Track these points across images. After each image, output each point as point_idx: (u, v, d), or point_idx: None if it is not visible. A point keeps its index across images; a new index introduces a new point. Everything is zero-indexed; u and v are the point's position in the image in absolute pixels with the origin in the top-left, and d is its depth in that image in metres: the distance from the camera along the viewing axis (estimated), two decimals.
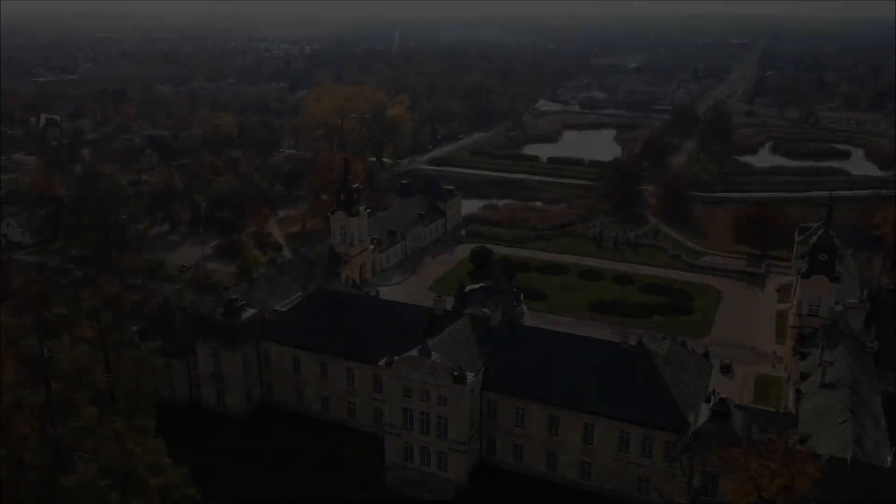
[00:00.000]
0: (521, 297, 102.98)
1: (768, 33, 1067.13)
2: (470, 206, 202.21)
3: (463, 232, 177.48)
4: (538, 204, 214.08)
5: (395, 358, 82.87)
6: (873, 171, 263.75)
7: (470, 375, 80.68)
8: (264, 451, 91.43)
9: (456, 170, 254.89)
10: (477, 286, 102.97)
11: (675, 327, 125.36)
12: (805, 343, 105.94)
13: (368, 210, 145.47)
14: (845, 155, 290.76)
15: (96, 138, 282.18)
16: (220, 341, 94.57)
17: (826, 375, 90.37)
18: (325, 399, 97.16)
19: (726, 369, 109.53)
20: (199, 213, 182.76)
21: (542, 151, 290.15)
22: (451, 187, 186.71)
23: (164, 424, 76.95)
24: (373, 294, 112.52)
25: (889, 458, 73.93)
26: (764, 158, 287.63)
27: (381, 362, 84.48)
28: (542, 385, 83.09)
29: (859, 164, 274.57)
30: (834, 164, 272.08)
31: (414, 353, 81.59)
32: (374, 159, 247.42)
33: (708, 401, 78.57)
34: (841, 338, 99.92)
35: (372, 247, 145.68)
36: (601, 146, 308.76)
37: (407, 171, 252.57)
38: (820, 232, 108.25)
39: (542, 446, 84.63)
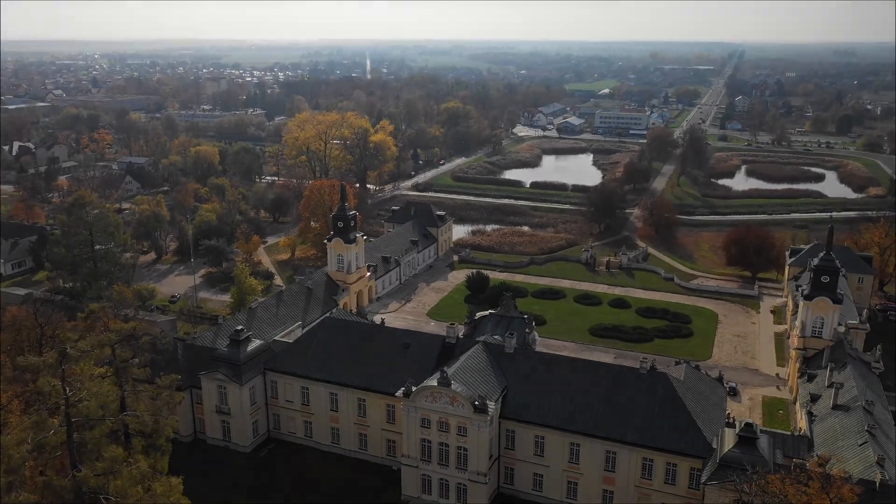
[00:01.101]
0: (533, 323, 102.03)
1: (731, 60, 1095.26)
2: (457, 231, 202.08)
3: (455, 258, 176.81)
4: (525, 229, 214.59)
5: (413, 388, 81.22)
6: (848, 193, 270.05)
7: (491, 405, 79.36)
8: (275, 486, 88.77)
9: (440, 195, 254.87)
10: (486, 313, 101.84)
11: (676, 351, 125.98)
12: (811, 365, 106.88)
13: (365, 237, 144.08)
14: (819, 178, 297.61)
15: (73, 166, 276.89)
16: (227, 374, 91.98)
17: (838, 397, 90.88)
18: (334, 431, 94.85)
19: (732, 392, 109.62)
20: (186, 242, 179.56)
21: (524, 176, 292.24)
22: (443, 213, 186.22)
23: (169, 461, 74.17)
24: (370, 321, 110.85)
25: None
26: (741, 182, 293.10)
27: (399, 393, 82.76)
28: (561, 412, 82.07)
29: (834, 187, 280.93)
30: (810, 186, 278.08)
31: (433, 382, 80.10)
32: (356, 185, 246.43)
33: (729, 425, 78.38)
34: (847, 359, 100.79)
35: (368, 274, 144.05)
36: (581, 171, 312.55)
37: (391, 197, 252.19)
38: (821, 254, 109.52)
39: (563, 475, 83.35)
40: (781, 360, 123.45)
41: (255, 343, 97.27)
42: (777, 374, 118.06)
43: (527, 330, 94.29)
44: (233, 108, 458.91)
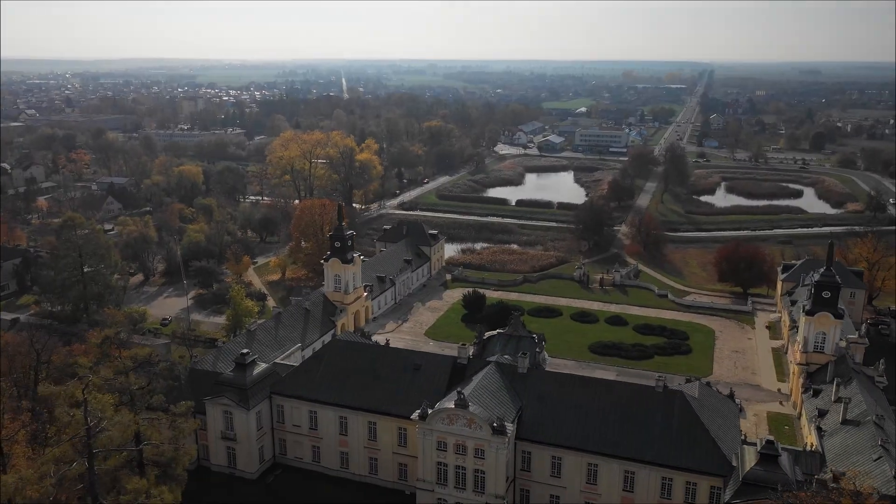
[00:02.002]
0: (543, 342, 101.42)
1: (702, 79, 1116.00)
2: (447, 250, 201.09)
3: (448, 276, 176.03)
4: (514, 247, 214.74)
5: (429, 410, 79.97)
6: (827, 209, 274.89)
7: (509, 426, 78.39)
8: None
9: (426, 214, 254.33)
10: (494, 332, 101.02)
11: (677, 368, 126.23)
12: (815, 380, 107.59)
13: (362, 257, 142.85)
14: (798, 194, 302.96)
15: (51, 186, 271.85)
16: (233, 399, 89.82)
17: (847, 412, 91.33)
18: (343, 455, 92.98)
19: (738, 409, 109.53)
20: (174, 263, 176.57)
21: (508, 194, 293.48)
22: (435, 232, 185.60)
23: None
24: (374, 342, 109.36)
25: None
26: (722, 198, 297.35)
27: (414, 415, 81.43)
28: (578, 432, 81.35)
29: (813, 203, 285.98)
30: (789, 202, 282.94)
31: (450, 404, 78.97)
32: (341, 204, 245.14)
33: (746, 443, 78.21)
34: (852, 374, 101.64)
35: (365, 294, 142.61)
36: (564, 188, 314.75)
37: (378, 216, 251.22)
38: (821, 270, 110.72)
39: (580, 496, 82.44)
40: (781, 375, 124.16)
41: (261, 367, 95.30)
42: (779, 390, 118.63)
43: (537, 349, 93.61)
44: (211, 127, 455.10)
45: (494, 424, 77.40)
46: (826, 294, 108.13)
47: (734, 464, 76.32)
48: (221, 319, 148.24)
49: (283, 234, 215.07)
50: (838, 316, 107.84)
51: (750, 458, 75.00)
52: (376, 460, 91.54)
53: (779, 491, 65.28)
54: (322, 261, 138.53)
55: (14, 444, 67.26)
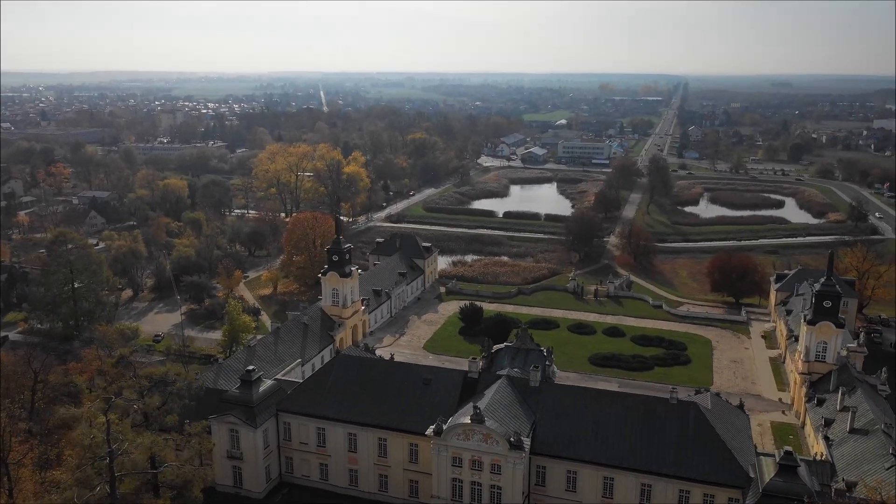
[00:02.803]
0: (552, 355, 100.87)
1: (677, 91, 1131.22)
2: (438, 262, 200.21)
3: (442, 289, 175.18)
4: (505, 259, 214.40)
5: (444, 426, 78.94)
6: (809, 219, 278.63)
7: (526, 441, 77.60)
8: None
9: (414, 226, 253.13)
10: (502, 345, 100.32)
11: (677, 378, 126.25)
12: (818, 389, 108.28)
13: (360, 270, 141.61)
14: (779, 204, 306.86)
15: (32, 201, 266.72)
16: (240, 417, 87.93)
17: (855, 421, 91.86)
18: (352, 472, 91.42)
19: None
20: (164, 278, 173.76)
21: (493, 206, 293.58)
22: (429, 244, 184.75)
23: None
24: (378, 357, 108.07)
25: None
26: (705, 209, 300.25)
27: (429, 431, 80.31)
28: (594, 446, 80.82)
29: (794, 213, 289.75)
30: (772, 213, 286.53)
31: (465, 419, 78.03)
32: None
33: (759, 453, 78.13)
34: (856, 382, 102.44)
35: (363, 308, 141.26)
36: (549, 200, 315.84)
37: (366, 229, 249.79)
38: (822, 280, 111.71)
39: None
40: (781, 384, 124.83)
41: (267, 383, 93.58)
42: (780, 399, 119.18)
43: (546, 362, 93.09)
44: (192, 140, 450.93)
45: (511, 439, 76.59)
46: (827, 304, 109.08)
47: (751, 475, 76.21)
48: (215, 335, 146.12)
49: (272, 247, 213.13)
50: (839, 325, 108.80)
51: (768, 469, 74.94)
52: (386, 477, 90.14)
53: (805, 502, 65.09)
54: (319, 275, 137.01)
55: (21, 467, 65.06)
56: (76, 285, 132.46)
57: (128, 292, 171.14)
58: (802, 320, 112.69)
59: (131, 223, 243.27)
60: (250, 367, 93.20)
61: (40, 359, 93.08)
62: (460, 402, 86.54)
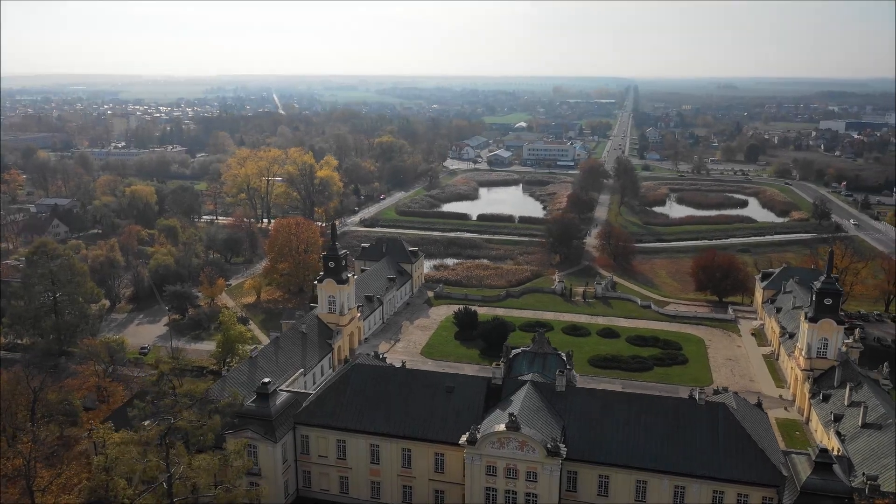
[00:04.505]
0: (572, 359, 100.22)
1: (629, 94, 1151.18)
2: None
3: (430, 293, 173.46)
4: (485, 262, 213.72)
5: (479, 434, 77.49)
6: (773, 217, 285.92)
7: (563, 447, 76.70)
8: None
9: (389, 230, 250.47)
10: (519, 350, 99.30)
11: (678, 378, 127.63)
12: (821, 385, 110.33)
13: (355, 276, 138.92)
14: (743, 204, 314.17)
15: None
16: (258, 432, 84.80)
17: (867, 415, 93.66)
18: (374, 484, 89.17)
19: None
20: (142, 289, 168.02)
21: (464, 209, 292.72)
22: (415, 248, 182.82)
23: None
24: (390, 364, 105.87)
25: None
26: (672, 209, 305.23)
27: (462, 440, 78.71)
28: (625, 450, 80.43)
29: (758, 212, 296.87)
30: (737, 212, 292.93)
31: (500, 427, 76.75)
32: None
33: (786, 452, 78.84)
34: (861, 378, 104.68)
35: (359, 315, 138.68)
36: (519, 202, 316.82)
37: (341, 234, 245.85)
38: (822, 278, 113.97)
39: None
40: (779, 381, 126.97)
41: (283, 396, 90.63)
42: (780, 396, 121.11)
43: (567, 367, 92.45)
44: (149, 145, 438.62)
45: (549, 446, 75.61)
46: (828, 301, 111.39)
47: (784, 473, 76.83)
48: (204, 346, 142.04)
49: (249, 254, 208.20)
50: (840, 322, 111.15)
51: (803, 468, 75.67)
52: (410, 488, 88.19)
53: (856, 500, 65.71)
54: (315, 282, 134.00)
55: (47, 493, 61.21)
56: (58, 297, 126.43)
57: (104, 303, 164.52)
58: (803, 317, 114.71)
59: (96, 231, 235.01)
60: (266, 380, 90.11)
61: (40, 377, 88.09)
62: (486, 410, 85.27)
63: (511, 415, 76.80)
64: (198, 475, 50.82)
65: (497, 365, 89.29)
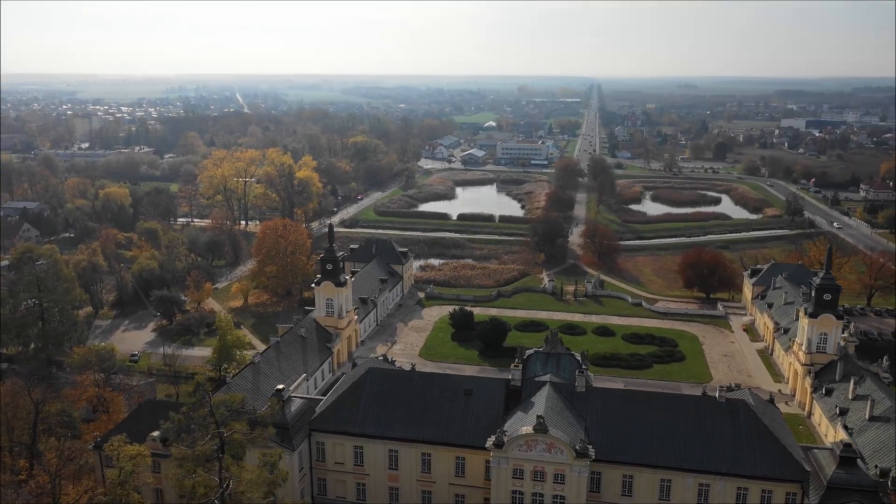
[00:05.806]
0: (587, 359, 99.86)
1: (593, 93, 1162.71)
2: None
3: (421, 294, 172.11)
4: (470, 261, 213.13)
5: (505, 437, 76.66)
6: (746, 214, 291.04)
7: (591, 448, 76.31)
8: None
9: (369, 231, 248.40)
10: (532, 351, 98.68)
11: (678, 375, 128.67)
12: (823, 379, 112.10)
13: (352, 278, 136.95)
14: (716, 201, 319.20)
15: None
16: (275, 439, 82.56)
17: (874, 408, 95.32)
18: (393, 490, 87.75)
19: None
20: (125, 294, 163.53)
21: (443, 209, 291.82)
22: (405, 249, 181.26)
23: None
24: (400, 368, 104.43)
25: None
26: (649, 207, 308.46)
27: (489, 443, 77.77)
28: (649, 449, 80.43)
29: (732, 209, 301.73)
30: (711, 209, 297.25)
31: (527, 429, 76.04)
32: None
33: (805, 447, 79.72)
34: (862, 371, 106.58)
35: (356, 317, 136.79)
36: (496, 201, 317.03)
37: (321, 235, 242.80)
38: (821, 273, 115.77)
39: None
40: (776, 376, 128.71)
41: (297, 402, 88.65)
42: (779, 391, 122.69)
43: (583, 366, 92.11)
44: (114, 146, 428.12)
45: (577, 447, 75.15)
46: (827, 297, 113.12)
47: (807, 468, 77.61)
48: (196, 351, 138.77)
49: (231, 257, 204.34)
50: (839, 317, 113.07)
51: (827, 462, 76.50)
52: (430, 493, 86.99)
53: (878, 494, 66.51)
54: (313, 285, 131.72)
55: None
56: (45, 304, 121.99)
57: (87, 309, 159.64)
58: (803, 313, 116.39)
59: (68, 235, 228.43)
60: (280, 386, 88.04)
61: (42, 390, 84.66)
62: (506, 412, 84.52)
63: (539, 416, 76.16)
64: (251, 489, 49.01)
65: (515, 366, 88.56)
